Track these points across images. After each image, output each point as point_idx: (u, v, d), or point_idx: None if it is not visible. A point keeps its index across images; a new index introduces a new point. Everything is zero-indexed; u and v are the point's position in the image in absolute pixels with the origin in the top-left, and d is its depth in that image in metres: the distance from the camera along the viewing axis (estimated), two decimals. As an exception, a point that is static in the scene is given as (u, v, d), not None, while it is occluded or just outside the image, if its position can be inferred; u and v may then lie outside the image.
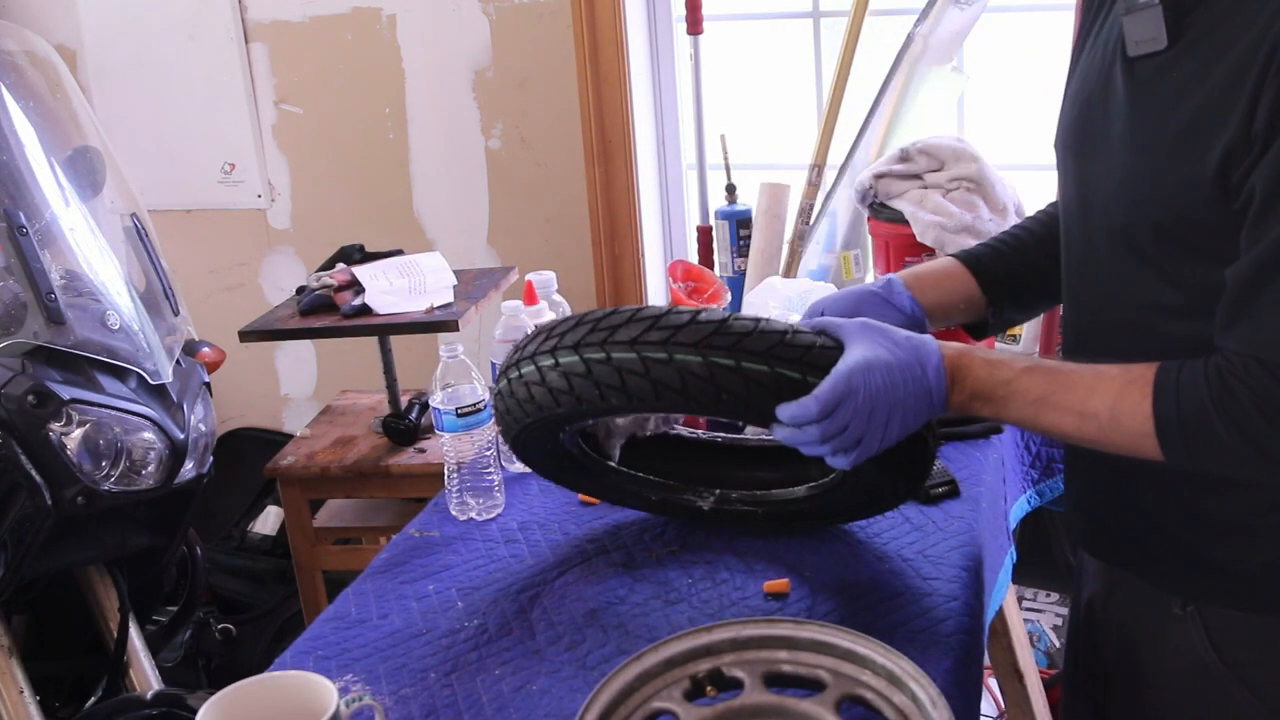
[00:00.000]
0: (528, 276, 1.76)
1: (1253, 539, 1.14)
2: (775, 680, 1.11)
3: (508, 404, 1.29)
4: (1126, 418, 1.08)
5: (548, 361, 1.22)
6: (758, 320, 1.18)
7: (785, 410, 1.14)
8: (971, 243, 1.79)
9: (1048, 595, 2.69)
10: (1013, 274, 1.40)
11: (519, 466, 1.68)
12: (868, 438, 1.14)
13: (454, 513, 1.59)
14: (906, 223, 1.84)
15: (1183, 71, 1.05)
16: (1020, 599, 2.68)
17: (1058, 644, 2.61)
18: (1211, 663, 1.18)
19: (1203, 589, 1.19)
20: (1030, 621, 2.64)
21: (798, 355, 1.16)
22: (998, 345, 2.06)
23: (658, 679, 1.11)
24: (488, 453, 1.56)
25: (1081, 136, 1.20)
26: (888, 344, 1.16)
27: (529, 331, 1.60)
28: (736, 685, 1.10)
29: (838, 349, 1.17)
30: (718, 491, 1.49)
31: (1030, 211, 2.10)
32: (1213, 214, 1.03)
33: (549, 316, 1.73)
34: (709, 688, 1.11)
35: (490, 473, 1.57)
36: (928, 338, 1.18)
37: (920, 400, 1.15)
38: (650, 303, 3.04)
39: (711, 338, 1.15)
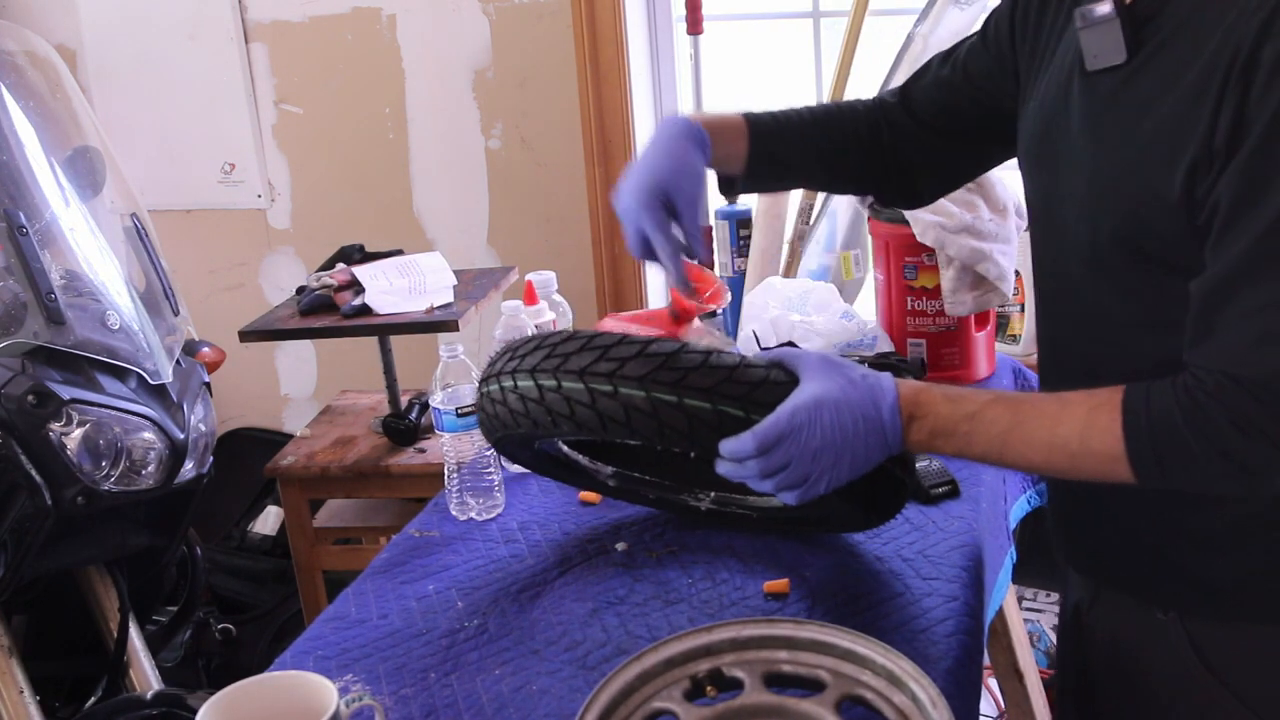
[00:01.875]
0: (528, 277, 1.76)
1: (1231, 550, 1.13)
2: (775, 680, 1.11)
3: (481, 416, 1.32)
4: (1097, 443, 1.06)
5: (508, 383, 1.24)
6: (709, 354, 1.16)
7: (725, 446, 1.13)
8: (972, 242, 1.80)
9: (1048, 595, 2.69)
10: (782, 149, 1.40)
11: (519, 467, 1.68)
12: (813, 477, 1.12)
13: (454, 513, 1.59)
14: (906, 222, 1.84)
15: (1143, 85, 1.05)
16: (1020, 599, 2.68)
17: (1058, 644, 2.61)
18: (1197, 670, 1.17)
19: (1183, 600, 1.18)
20: (1030, 621, 2.64)
21: (743, 393, 1.14)
22: (998, 345, 2.06)
23: (658, 679, 1.11)
24: (488, 453, 1.56)
25: (1044, 152, 1.20)
26: (842, 380, 1.13)
27: (526, 334, 1.60)
28: (736, 685, 1.10)
29: (790, 384, 1.15)
30: (713, 494, 1.49)
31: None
32: (1177, 228, 1.03)
33: (549, 317, 1.73)
34: (709, 688, 1.11)
35: (490, 473, 1.57)
36: (885, 375, 1.16)
37: (873, 440, 1.13)
38: (651, 304, 3.04)
39: (657, 372, 1.15)
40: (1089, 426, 1.06)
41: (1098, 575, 1.28)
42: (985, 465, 1.21)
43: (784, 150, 1.40)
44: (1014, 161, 1.57)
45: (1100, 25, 1.07)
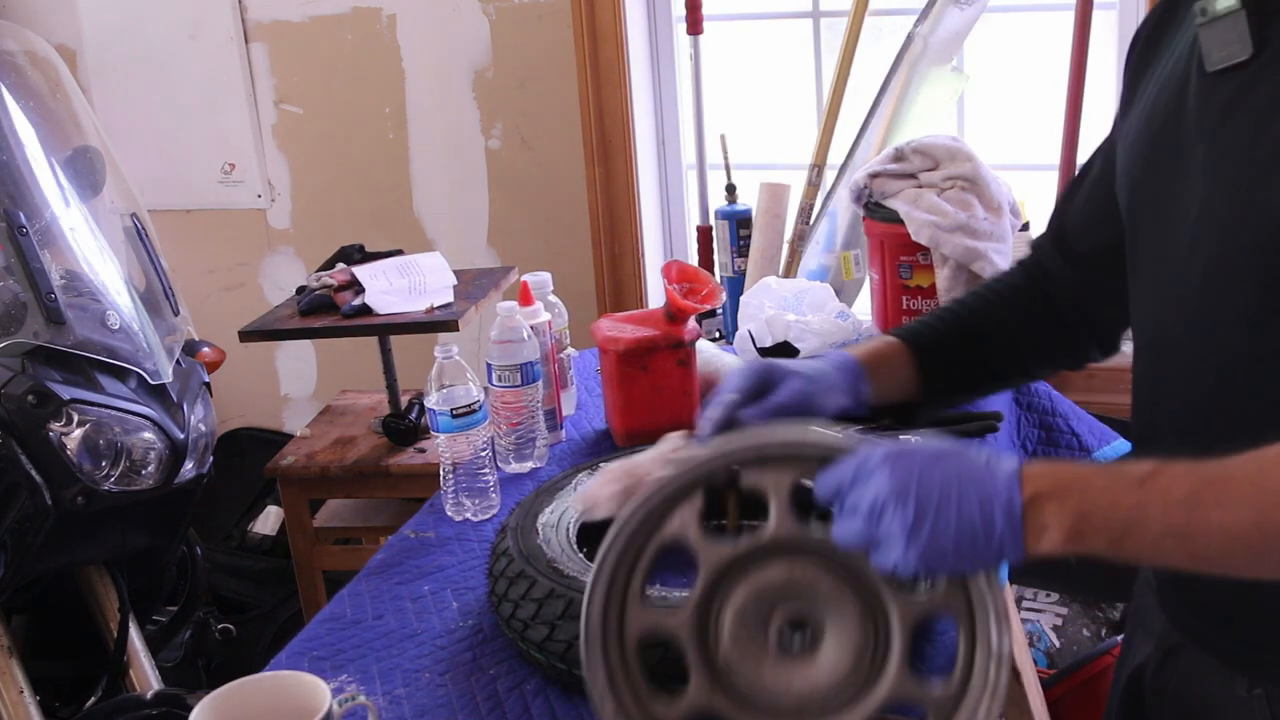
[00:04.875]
0: (523, 277, 1.76)
1: None
2: (803, 498, 0.97)
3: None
4: None
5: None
6: None
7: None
8: (967, 241, 1.80)
9: (1048, 595, 2.69)
10: (953, 356, 1.28)
11: (515, 467, 1.68)
12: (890, 507, 0.90)
13: (449, 513, 1.59)
14: (902, 222, 1.84)
15: (1271, 84, 0.96)
16: (1020, 599, 2.68)
17: (1057, 644, 2.61)
18: None
19: (1273, 670, 1.05)
20: (1030, 621, 2.64)
21: None
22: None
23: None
24: (483, 453, 1.56)
25: (1151, 169, 1.09)
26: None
27: (522, 336, 1.60)
28: (761, 508, 0.97)
29: None
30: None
31: (1025, 210, 2.10)
32: None
33: (544, 317, 1.73)
34: (729, 519, 0.99)
35: (486, 473, 1.57)
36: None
37: (971, 489, 0.88)
38: (651, 304, 3.04)
39: None
40: None
41: (1187, 625, 1.14)
42: (1157, 559, 0.94)
43: (956, 361, 1.27)
44: (1010, 159, 1.55)
45: (1223, 20, 0.98)
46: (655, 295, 3.06)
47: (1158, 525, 0.87)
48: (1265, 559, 0.87)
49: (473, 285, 2.62)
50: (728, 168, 2.75)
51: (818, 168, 2.63)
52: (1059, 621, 2.64)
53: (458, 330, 2.44)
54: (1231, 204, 0.98)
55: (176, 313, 2.27)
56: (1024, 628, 2.29)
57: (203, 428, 2.19)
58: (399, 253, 2.73)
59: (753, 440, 0.98)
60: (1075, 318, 1.28)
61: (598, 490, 1.18)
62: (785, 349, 1.82)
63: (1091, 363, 1.35)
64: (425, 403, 1.56)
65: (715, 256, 2.80)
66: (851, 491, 0.91)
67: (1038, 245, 1.32)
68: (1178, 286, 1.05)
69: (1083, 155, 2.35)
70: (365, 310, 2.49)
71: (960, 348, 1.28)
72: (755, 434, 0.99)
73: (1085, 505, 0.87)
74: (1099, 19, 2.40)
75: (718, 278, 2.69)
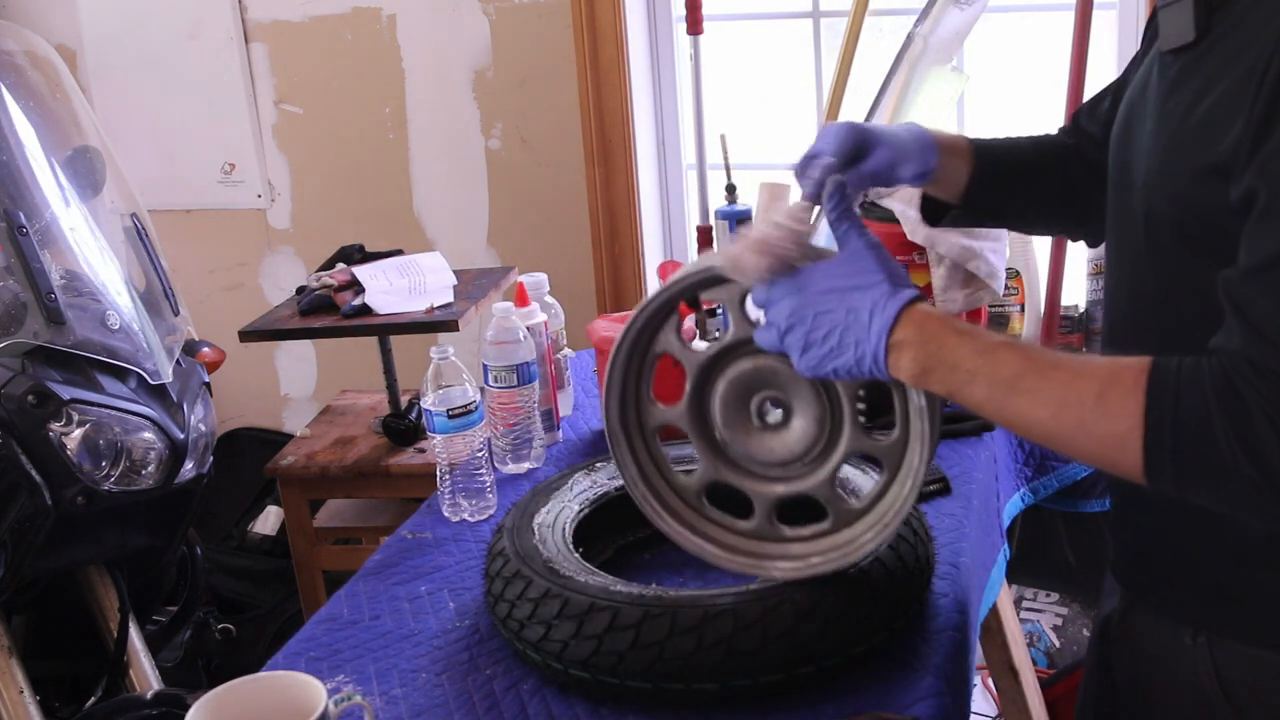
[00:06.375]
0: (519, 278, 1.76)
1: (1267, 568, 1.07)
2: None
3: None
4: (1115, 405, 0.94)
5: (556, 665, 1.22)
6: None
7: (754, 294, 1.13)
8: (962, 240, 1.80)
9: (1048, 595, 2.69)
10: (1002, 174, 1.34)
11: (512, 468, 1.68)
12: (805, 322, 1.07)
13: (446, 514, 1.59)
14: (897, 221, 1.84)
15: (1206, 68, 1.02)
16: (1020, 599, 2.68)
17: (1057, 644, 2.61)
18: (1216, 698, 1.12)
19: (1214, 620, 1.12)
20: (1030, 621, 2.64)
21: None
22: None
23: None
24: (480, 454, 1.56)
25: (1122, 138, 1.18)
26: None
27: (518, 336, 1.60)
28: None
29: None
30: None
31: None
32: (1220, 216, 0.98)
33: (540, 318, 1.73)
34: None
35: (482, 474, 1.57)
36: (909, 294, 1.06)
37: (850, 334, 1.05)
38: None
39: None
40: (1109, 387, 0.95)
41: (1136, 582, 1.23)
42: (982, 415, 1.05)
43: (1005, 176, 1.34)
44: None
45: (1177, 3, 1.06)
46: (655, 295, 3.06)
47: (980, 393, 1.02)
48: (1056, 447, 1.01)
49: (473, 285, 2.62)
50: (728, 168, 2.74)
51: (817, 168, 2.63)
52: (1059, 621, 2.64)
53: (458, 330, 2.44)
54: (1158, 175, 1.06)
55: (176, 313, 2.27)
56: (1019, 625, 2.29)
57: (203, 428, 2.19)
58: (399, 253, 2.73)
59: (701, 266, 1.16)
60: (1074, 178, 1.36)
61: (743, 258, 1.14)
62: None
63: (1071, 240, 1.56)
64: (422, 403, 1.56)
65: (715, 256, 2.80)
66: (769, 309, 1.10)
67: (1067, 126, 1.42)
68: (1130, 250, 1.14)
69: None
70: (365, 310, 2.49)
71: (1011, 169, 1.36)
72: (703, 261, 1.17)
73: (933, 359, 1.02)
74: (1099, 19, 2.40)
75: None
